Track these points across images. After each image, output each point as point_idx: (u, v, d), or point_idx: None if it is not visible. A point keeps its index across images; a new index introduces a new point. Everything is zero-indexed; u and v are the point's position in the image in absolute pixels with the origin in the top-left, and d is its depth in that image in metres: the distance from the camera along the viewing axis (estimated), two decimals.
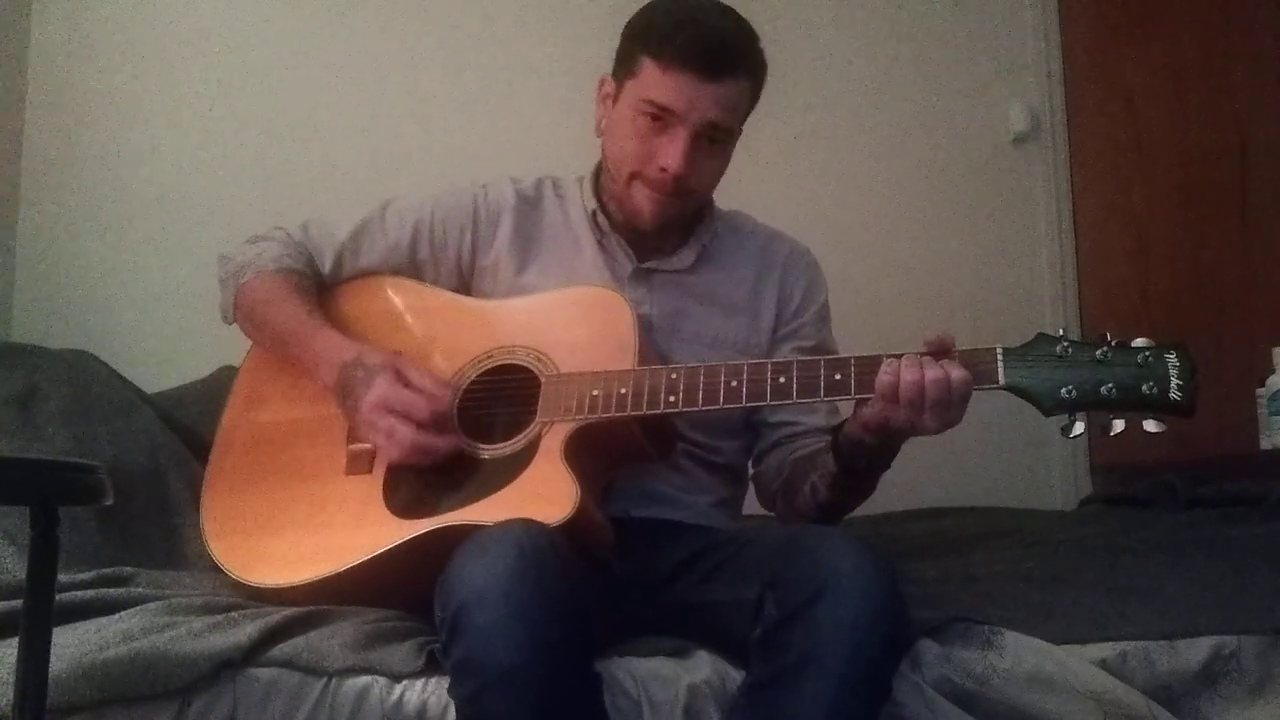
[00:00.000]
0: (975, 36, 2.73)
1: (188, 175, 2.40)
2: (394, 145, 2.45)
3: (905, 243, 2.63)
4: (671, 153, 1.43)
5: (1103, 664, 1.29)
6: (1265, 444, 2.01)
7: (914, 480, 2.29)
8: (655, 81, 1.43)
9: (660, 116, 1.43)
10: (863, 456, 1.36)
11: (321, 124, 2.45)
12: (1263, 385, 2.02)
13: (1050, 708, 1.25)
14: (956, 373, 1.23)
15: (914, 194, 2.65)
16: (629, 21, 1.50)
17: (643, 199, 1.48)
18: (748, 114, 1.52)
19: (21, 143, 2.37)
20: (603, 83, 1.54)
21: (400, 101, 2.48)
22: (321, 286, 1.58)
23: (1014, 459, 2.59)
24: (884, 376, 1.24)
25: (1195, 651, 1.31)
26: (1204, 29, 2.40)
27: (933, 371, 1.23)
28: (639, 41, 1.46)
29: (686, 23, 1.43)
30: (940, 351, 1.26)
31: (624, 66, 1.49)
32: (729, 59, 1.43)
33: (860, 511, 1.77)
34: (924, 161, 2.67)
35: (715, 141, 1.47)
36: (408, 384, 1.37)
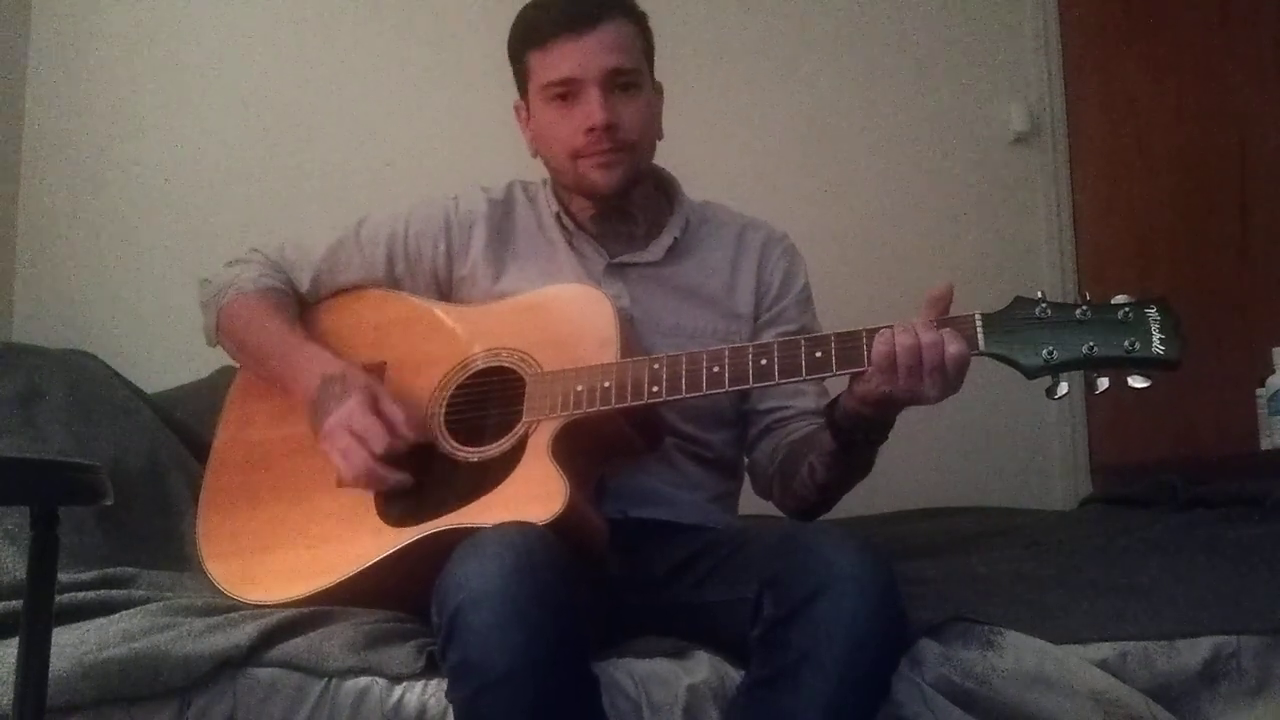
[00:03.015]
0: (975, 36, 2.73)
1: (188, 175, 2.40)
2: (390, 145, 2.45)
3: (905, 242, 2.62)
4: (589, 110, 1.47)
5: (1103, 664, 1.29)
6: (1265, 444, 2.01)
7: (914, 480, 2.30)
8: (544, 65, 1.50)
9: (565, 91, 1.48)
10: (860, 430, 1.34)
11: (321, 124, 2.45)
12: (1263, 385, 2.02)
13: (1050, 708, 1.25)
14: (954, 347, 1.22)
15: (914, 194, 2.65)
16: (507, 46, 1.58)
17: (591, 169, 1.50)
18: (648, 57, 1.56)
19: (21, 142, 2.37)
20: (517, 109, 1.60)
21: (397, 107, 2.48)
22: (302, 304, 1.60)
23: (1014, 459, 2.59)
24: (879, 346, 1.23)
25: (1195, 651, 1.31)
26: (1204, 29, 2.40)
27: (928, 335, 1.23)
28: (518, 49, 1.55)
29: (541, 4, 1.52)
30: (940, 301, 1.26)
31: (519, 81, 1.57)
32: (591, 6, 1.49)
33: (860, 511, 1.78)
34: (924, 161, 2.66)
35: (627, 88, 1.50)
36: (378, 412, 1.36)
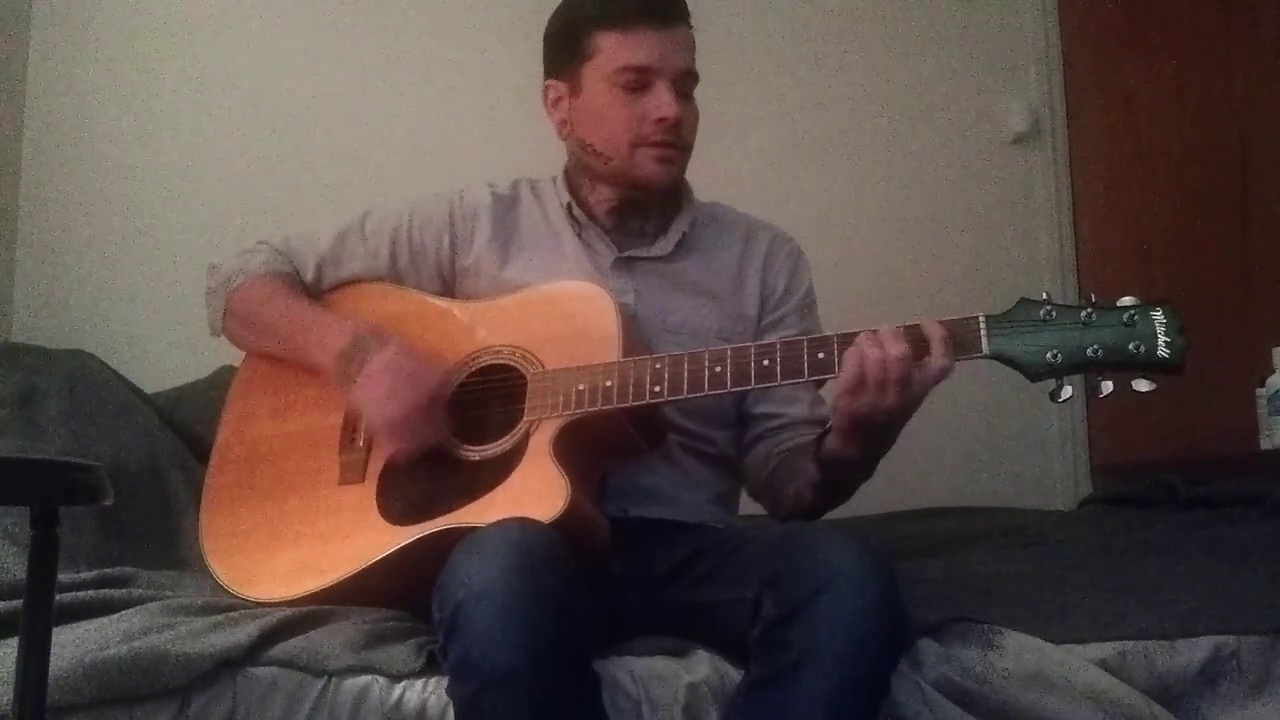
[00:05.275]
0: (975, 36, 2.73)
1: (188, 175, 2.40)
2: (390, 147, 2.45)
3: (905, 243, 2.63)
4: (663, 102, 1.48)
5: (1103, 664, 1.29)
6: (1265, 444, 2.01)
7: (914, 480, 2.30)
8: (623, 48, 1.48)
9: (638, 80, 1.48)
10: (844, 470, 1.35)
11: (321, 125, 2.45)
12: (1263, 385, 2.02)
13: (1050, 708, 1.25)
14: (937, 361, 1.22)
15: (914, 194, 2.65)
16: (551, 22, 1.57)
17: (649, 160, 1.50)
18: None
19: (21, 143, 2.37)
20: (548, 89, 1.58)
21: (397, 105, 2.49)
22: (307, 293, 1.59)
23: (1014, 459, 2.59)
24: (848, 363, 1.24)
25: (1195, 651, 1.31)
26: (1204, 29, 2.40)
27: (895, 349, 1.22)
28: (584, 26, 1.52)
29: None
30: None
31: (571, 59, 1.53)
32: (675, 4, 1.51)
33: (860, 511, 1.78)
34: (924, 161, 2.67)
35: (687, 94, 1.52)
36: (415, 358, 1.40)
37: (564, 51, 1.54)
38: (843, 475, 1.36)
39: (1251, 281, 2.24)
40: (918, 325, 1.25)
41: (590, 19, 1.51)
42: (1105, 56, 2.68)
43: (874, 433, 1.28)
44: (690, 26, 1.53)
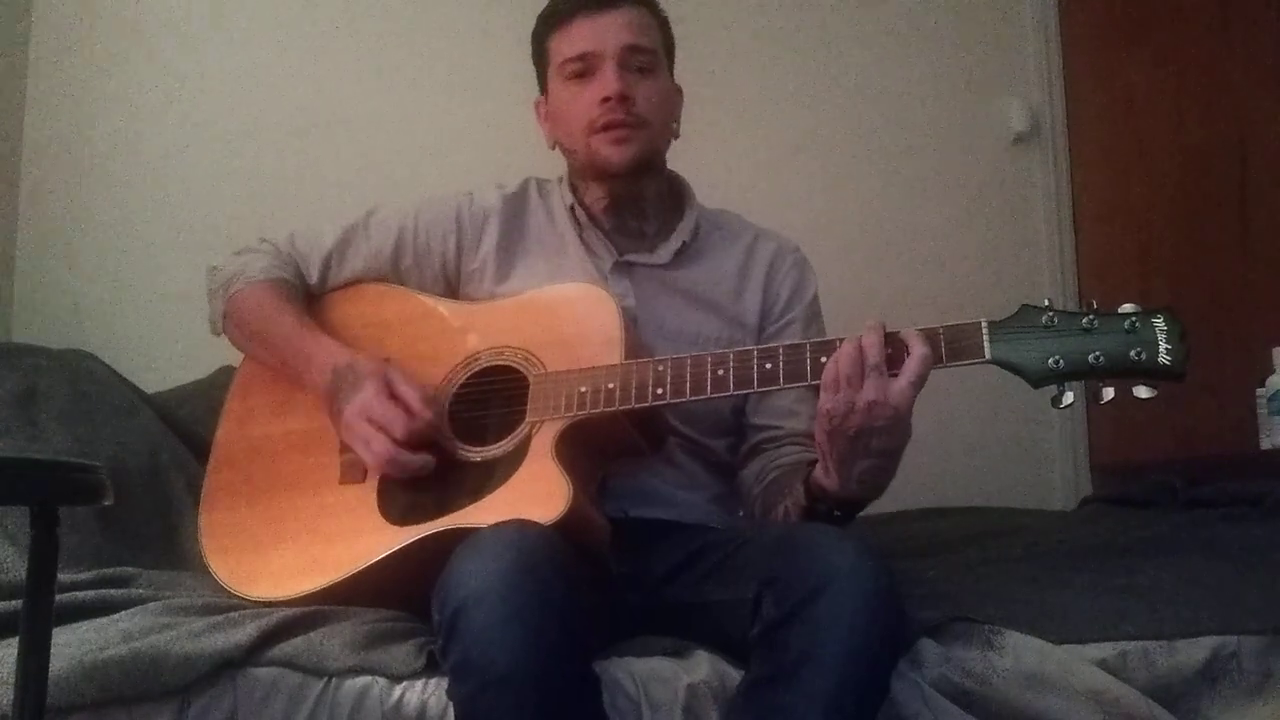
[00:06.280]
0: (975, 36, 2.73)
1: (188, 175, 2.40)
2: (392, 149, 2.45)
3: (905, 243, 2.63)
4: (604, 81, 1.50)
5: (1103, 664, 1.29)
6: (1265, 444, 2.01)
7: (914, 480, 2.28)
8: (564, 43, 1.54)
9: (582, 69, 1.52)
10: (826, 501, 1.34)
11: (321, 125, 2.45)
12: (1263, 385, 2.02)
13: (1050, 708, 1.25)
14: (918, 351, 1.22)
15: (914, 194, 2.65)
16: (531, 43, 1.62)
17: (603, 144, 1.51)
18: (666, 49, 1.59)
19: (21, 143, 2.37)
20: (537, 105, 1.63)
21: (399, 106, 2.49)
22: (309, 295, 1.59)
23: (1014, 459, 2.59)
24: (827, 369, 1.24)
25: (1195, 651, 1.31)
26: (1204, 29, 2.40)
27: (868, 336, 1.23)
28: (542, 38, 1.59)
29: None
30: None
31: (541, 71, 1.61)
32: None
33: (860, 511, 1.78)
34: (924, 161, 2.67)
35: (643, 70, 1.53)
36: (394, 396, 1.37)
37: (537, 67, 1.61)
38: (824, 509, 1.34)
39: (1251, 282, 2.24)
40: (896, 331, 1.25)
41: (542, 32, 1.58)
42: (1105, 56, 2.68)
43: (854, 447, 1.25)
44: (641, 6, 1.55)
